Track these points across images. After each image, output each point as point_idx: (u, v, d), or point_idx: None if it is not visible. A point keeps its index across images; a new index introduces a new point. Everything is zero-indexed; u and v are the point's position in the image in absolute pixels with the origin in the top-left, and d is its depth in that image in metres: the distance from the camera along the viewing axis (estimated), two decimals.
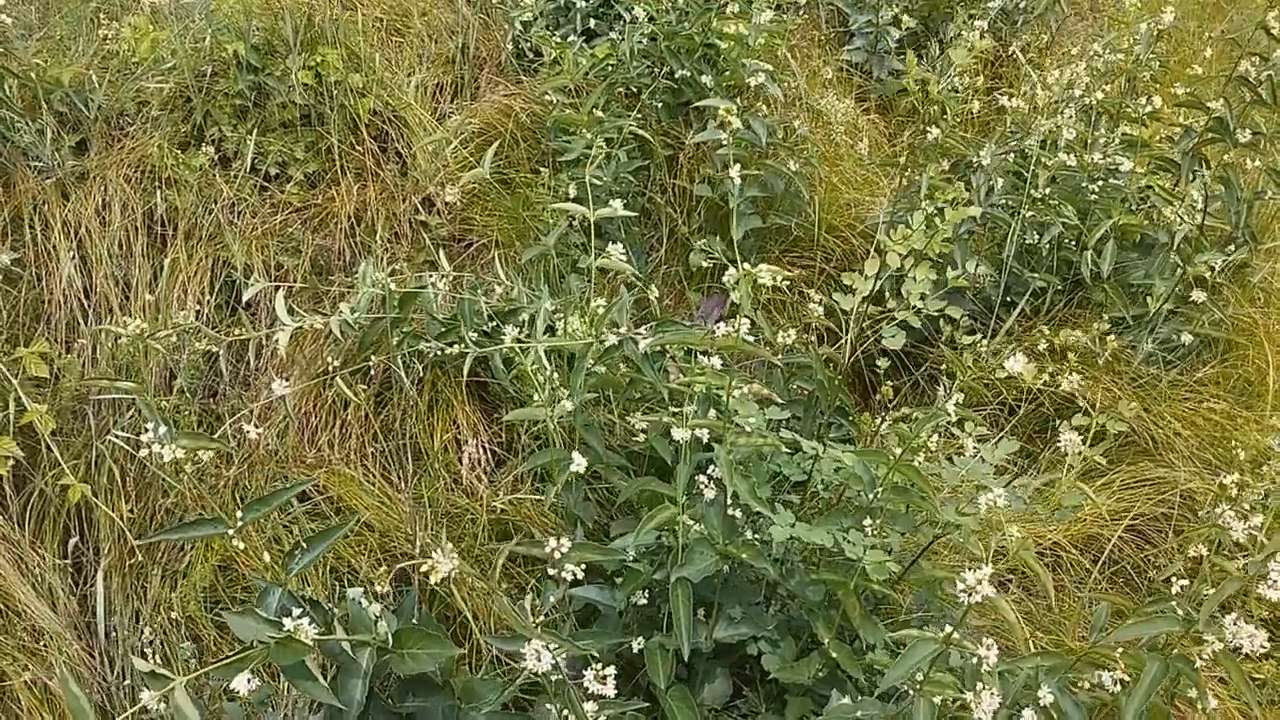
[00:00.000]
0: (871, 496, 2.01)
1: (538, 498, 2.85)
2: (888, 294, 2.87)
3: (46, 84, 3.54)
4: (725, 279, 2.14)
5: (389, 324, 3.04)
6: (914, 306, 2.56)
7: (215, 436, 2.75)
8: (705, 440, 2.14)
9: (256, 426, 2.91)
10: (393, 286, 2.97)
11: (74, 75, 3.59)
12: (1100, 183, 3.18)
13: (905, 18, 4.35)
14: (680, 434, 2.04)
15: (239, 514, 1.80)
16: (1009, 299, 3.35)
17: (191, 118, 3.68)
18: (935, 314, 2.78)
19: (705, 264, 3.65)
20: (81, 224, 3.37)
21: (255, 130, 3.67)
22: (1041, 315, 3.31)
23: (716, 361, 2.08)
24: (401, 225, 3.76)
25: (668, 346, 2.56)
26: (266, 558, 1.84)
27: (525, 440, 3.13)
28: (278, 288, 3.24)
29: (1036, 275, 3.25)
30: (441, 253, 3.20)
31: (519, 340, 2.59)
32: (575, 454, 2.18)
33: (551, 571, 1.79)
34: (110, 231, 3.38)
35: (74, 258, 3.30)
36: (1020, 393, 3.15)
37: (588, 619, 2.39)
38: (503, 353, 3.06)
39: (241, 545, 1.82)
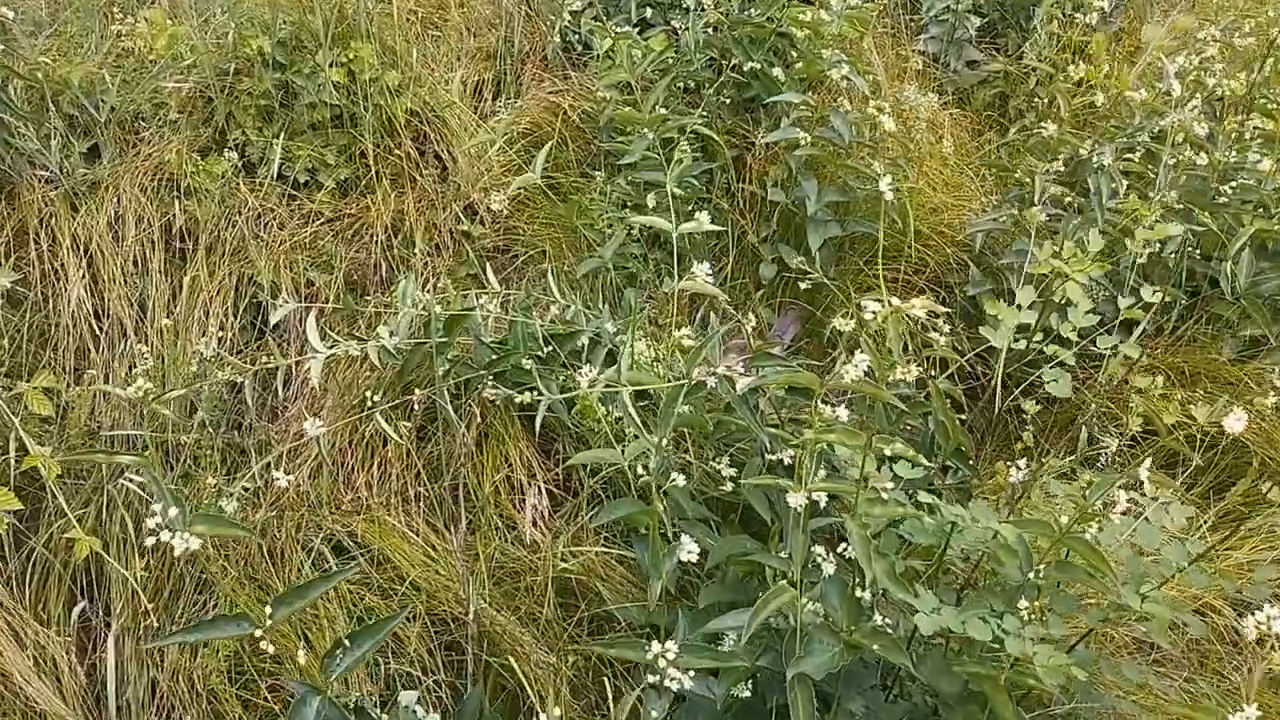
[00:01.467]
0: (1031, 575, 1.66)
1: (606, 549, 2.51)
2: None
3: (54, 85, 3.22)
4: (866, 309, 1.77)
5: (433, 349, 2.70)
6: (1072, 340, 2.18)
7: (241, 477, 2.42)
8: (821, 503, 1.80)
9: (286, 469, 2.58)
10: (437, 309, 2.63)
11: (84, 75, 3.28)
12: (1233, 184, 2.80)
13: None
14: (796, 499, 1.69)
15: (268, 610, 1.47)
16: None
17: (213, 120, 3.35)
18: (1106, 351, 2.40)
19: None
20: (92, 239, 3.05)
21: (282, 133, 3.34)
22: (1165, 334, 2.93)
23: (844, 413, 1.73)
24: (442, 235, 3.43)
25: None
26: (301, 657, 1.51)
27: (585, 478, 2.78)
28: (308, 309, 2.91)
29: (1158, 289, 2.88)
30: (488, 268, 2.86)
31: (600, 383, 2.23)
32: (685, 538, 1.85)
33: (651, 679, 1.44)
34: (124, 247, 3.06)
35: (84, 276, 2.98)
36: (1149, 422, 2.78)
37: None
38: (568, 389, 2.73)
39: (271, 649, 1.48)
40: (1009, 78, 4.15)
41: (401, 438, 2.63)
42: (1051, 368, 2.16)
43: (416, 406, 2.63)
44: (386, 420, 2.49)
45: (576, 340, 2.75)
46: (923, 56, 4.19)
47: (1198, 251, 2.95)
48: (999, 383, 2.19)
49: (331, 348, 2.60)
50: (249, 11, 3.41)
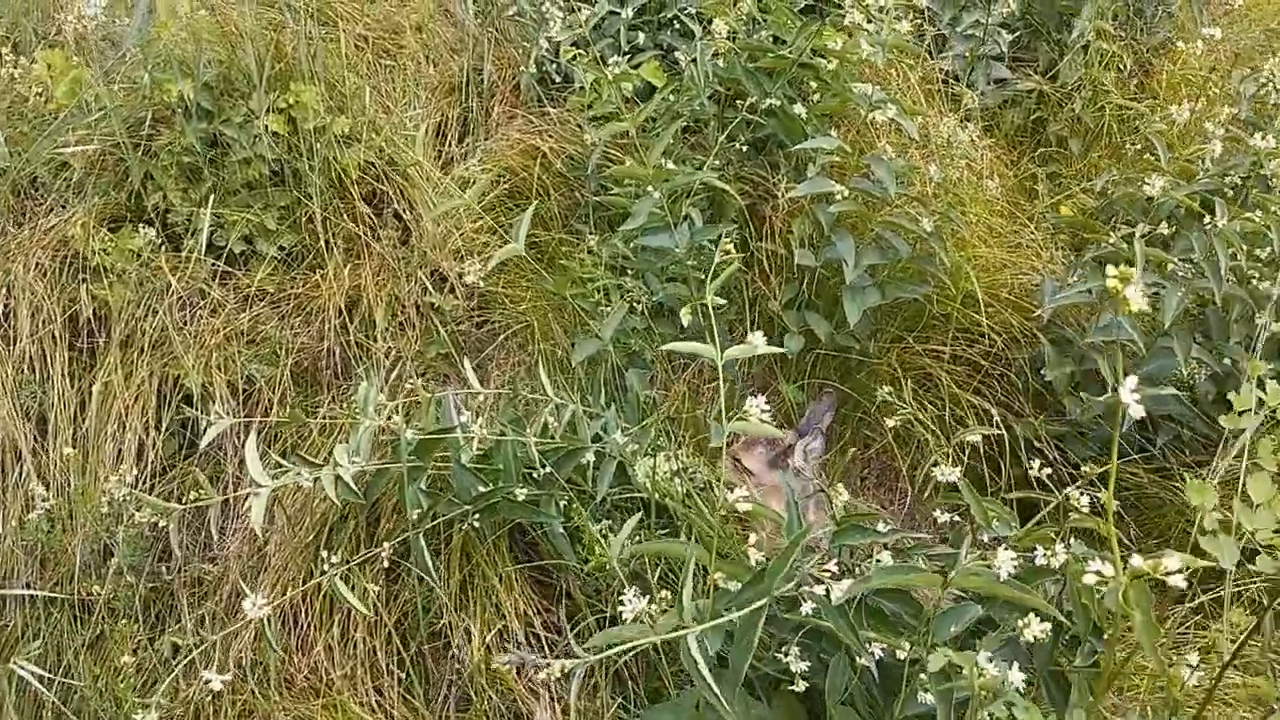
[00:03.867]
0: None
1: None
2: None
3: None
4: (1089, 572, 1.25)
5: (403, 478, 2.18)
6: None
7: (161, 684, 1.88)
8: None
9: (223, 644, 2.05)
10: (407, 433, 2.10)
11: None
12: None
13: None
14: None
15: None
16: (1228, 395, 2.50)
17: (127, 183, 2.79)
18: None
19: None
20: None
21: (211, 197, 2.79)
22: None
23: (1016, 675, 1.23)
24: (407, 310, 2.89)
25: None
26: None
27: (592, 624, 2.27)
28: (248, 427, 2.38)
29: (1271, 366, 2.40)
30: (466, 362, 2.33)
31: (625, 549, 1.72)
32: None
33: None
34: (16, 348, 2.50)
35: None
36: None
37: None
38: (562, 514, 2.22)
39: None
40: (1042, 98, 3.67)
41: (366, 610, 2.10)
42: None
43: (385, 559, 2.09)
44: (347, 587, 1.96)
45: (580, 456, 2.23)
46: (943, 74, 3.69)
47: None
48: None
49: (278, 476, 2.07)
50: (167, 50, 2.85)
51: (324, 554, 1.97)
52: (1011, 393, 2.68)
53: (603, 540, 2.23)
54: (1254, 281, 2.40)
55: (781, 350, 2.66)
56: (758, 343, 1.60)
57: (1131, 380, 1.09)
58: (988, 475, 2.67)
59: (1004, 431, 2.58)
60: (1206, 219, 2.29)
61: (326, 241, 2.82)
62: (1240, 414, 1.32)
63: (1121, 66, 3.47)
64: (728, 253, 1.75)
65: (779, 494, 2.58)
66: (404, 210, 2.98)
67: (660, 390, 2.82)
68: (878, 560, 1.47)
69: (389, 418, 2.21)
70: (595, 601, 2.23)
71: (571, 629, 2.19)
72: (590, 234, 3.01)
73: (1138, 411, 1.10)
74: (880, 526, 1.60)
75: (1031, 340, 2.65)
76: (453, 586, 2.23)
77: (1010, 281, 2.78)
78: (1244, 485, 1.24)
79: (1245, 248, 2.29)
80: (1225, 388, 2.51)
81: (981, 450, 2.64)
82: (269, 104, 2.83)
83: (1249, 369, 1.28)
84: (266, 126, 2.81)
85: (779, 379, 2.91)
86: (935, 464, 1.77)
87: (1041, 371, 2.50)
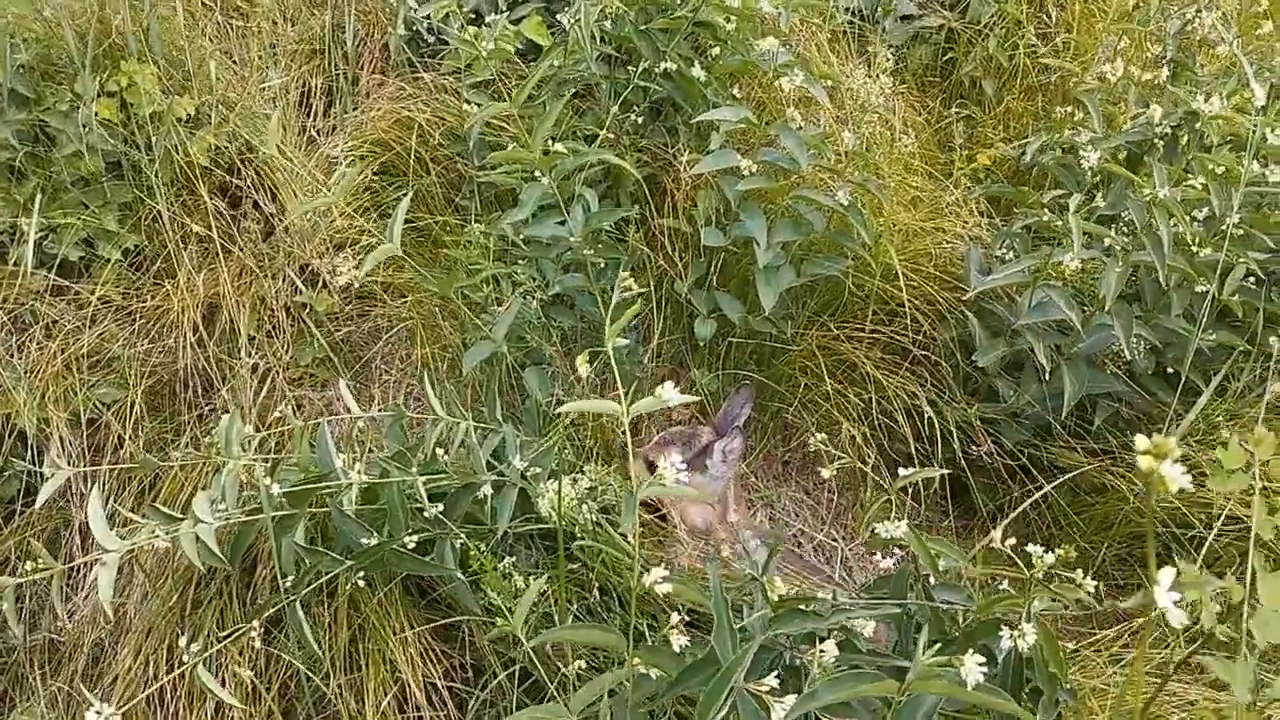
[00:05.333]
0: None
1: None
2: None
3: None
4: None
5: (274, 535, 1.92)
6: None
7: None
8: None
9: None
10: (275, 489, 1.84)
11: None
12: None
13: None
14: None
15: None
16: (1168, 370, 2.34)
17: None
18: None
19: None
20: None
21: (39, 197, 2.44)
22: (1231, 394, 2.30)
23: None
24: (276, 313, 2.59)
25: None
26: None
27: (496, 667, 2.05)
28: (91, 480, 2.09)
29: (1212, 335, 2.24)
30: (343, 385, 2.07)
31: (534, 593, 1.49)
32: None
33: None
34: None
35: None
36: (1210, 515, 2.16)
37: None
38: (459, 557, 1.97)
39: None
40: (952, 35, 3.45)
41: (238, 705, 1.84)
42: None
43: (256, 637, 1.83)
44: (209, 681, 1.70)
45: (475, 491, 1.99)
46: (848, 13, 3.44)
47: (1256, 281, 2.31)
48: None
49: (129, 535, 1.80)
50: None
51: (184, 641, 1.70)
52: (939, 374, 2.49)
53: (505, 579, 2.01)
54: (1193, 247, 2.23)
55: (689, 399, 2.40)
56: (669, 396, 1.37)
57: (1167, 576, 0.87)
58: (918, 459, 2.49)
59: (934, 416, 2.41)
60: (1139, 181, 2.10)
61: (176, 243, 2.49)
62: (1230, 473, 1.13)
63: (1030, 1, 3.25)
64: (628, 289, 1.50)
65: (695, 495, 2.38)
66: (265, 200, 2.66)
67: (563, 387, 2.58)
68: (820, 657, 1.27)
69: (257, 450, 1.95)
70: (504, 650, 2.00)
71: (479, 687, 1.97)
72: (476, 214, 2.73)
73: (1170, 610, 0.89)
74: (822, 594, 1.40)
75: (958, 317, 2.45)
76: (340, 644, 1.98)
77: (933, 250, 2.57)
78: (1246, 601, 1.05)
79: (1186, 217, 2.11)
80: (1164, 361, 2.35)
81: (910, 435, 2.46)
82: (96, 88, 2.48)
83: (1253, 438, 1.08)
84: (96, 114, 2.46)
85: (690, 367, 2.69)
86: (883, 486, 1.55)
87: (973, 357, 2.31)
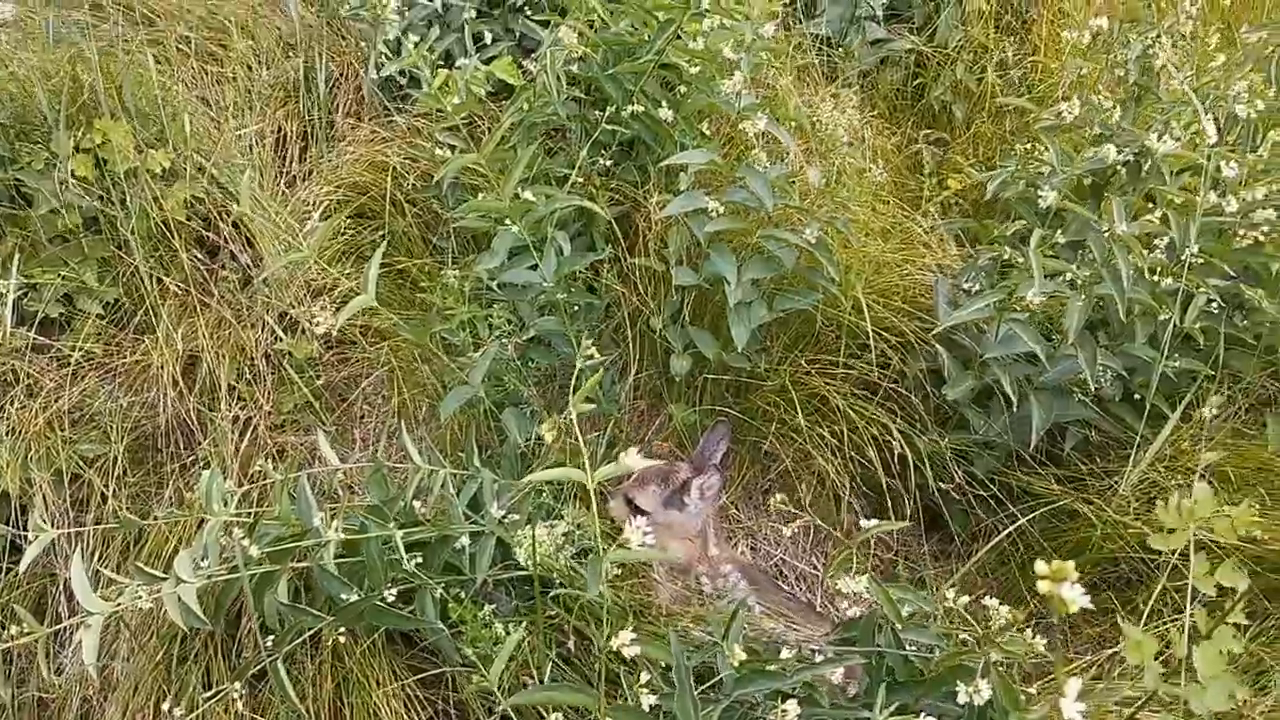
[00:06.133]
0: None
1: None
2: None
3: None
4: None
5: (256, 584, 1.95)
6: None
7: None
8: None
9: None
10: (253, 550, 1.87)
11: None
12: (1265, 225, 2.20)
13: None
14: None
15: None
16: (1135, 395, 2.38)
17: None
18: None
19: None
20: None
21: (17, 255, 2.47)
22: (1196, 419, 2.33)
23: None
24: (256, 361, 2.62)
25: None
26: None
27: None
28: (75, 540, 2.12)
29: (1175, 360, 2.28)
30: (321, 436, 2.10)
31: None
32: None
33: None
34: None
35: None
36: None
37: None
38: (439, 608, 2.01)
39: None
40: (921, 59, 3.49)
41: None
42: None
43: (239, 700, 1.86)
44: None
45: (453, 542, 2.02)
46: (816, 40, 3.47)
47: (1226, 311, 2.34)
48: None
49: (112, 597, 1.84)
50: None
51: (167, 705, 1.73)
52: (910, 405, 2.53)
53: (484, 628, 2.04)
54: (1154, 277, 2.27)
55: (651, 463, 2.40)
56: (631, 462, 1.40)
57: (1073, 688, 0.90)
58: (890, 491, 2.53)
59: (905, 449, 2.45)
60: (1098, 217, 2.13)
61: (155, 298, 2.52)
62: (1170, 533, 1.17)
63: (998, 25, 3.30)
64: (590, 357, 1.53)
65: (673, 531, 2.41)
66: (243, 248, 2.69)
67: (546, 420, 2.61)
68: (784, 717, 1.31)
69: (239, 503, 1.98)
70: (489, 700, 2.03)
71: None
72: (454, 255, 2.77)
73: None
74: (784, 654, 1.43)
75: (928, 349, 2.49)
76: (325, 696, 2.02)
77: (901, 284, 2.61)
78: (1190, 657, 1.09)
79: (1144, 252, 2.15)
80: (1131, 388, 2.39)
81: (881, 467, 2.50)
82: (72, 145, 2.51)
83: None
84: (72, 171, 2.49)
85: (668, 401, 2.73)
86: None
87: (943, 390, 2.35)
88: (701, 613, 2.18)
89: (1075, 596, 0.80)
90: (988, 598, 1.42)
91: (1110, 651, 2.01)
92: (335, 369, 2.72)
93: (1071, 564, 0.81)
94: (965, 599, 1.42)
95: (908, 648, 1.67)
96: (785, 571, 2.72)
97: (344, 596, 1.92)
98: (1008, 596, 2.48)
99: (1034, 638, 1.36)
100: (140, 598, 1.85)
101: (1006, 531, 2.23)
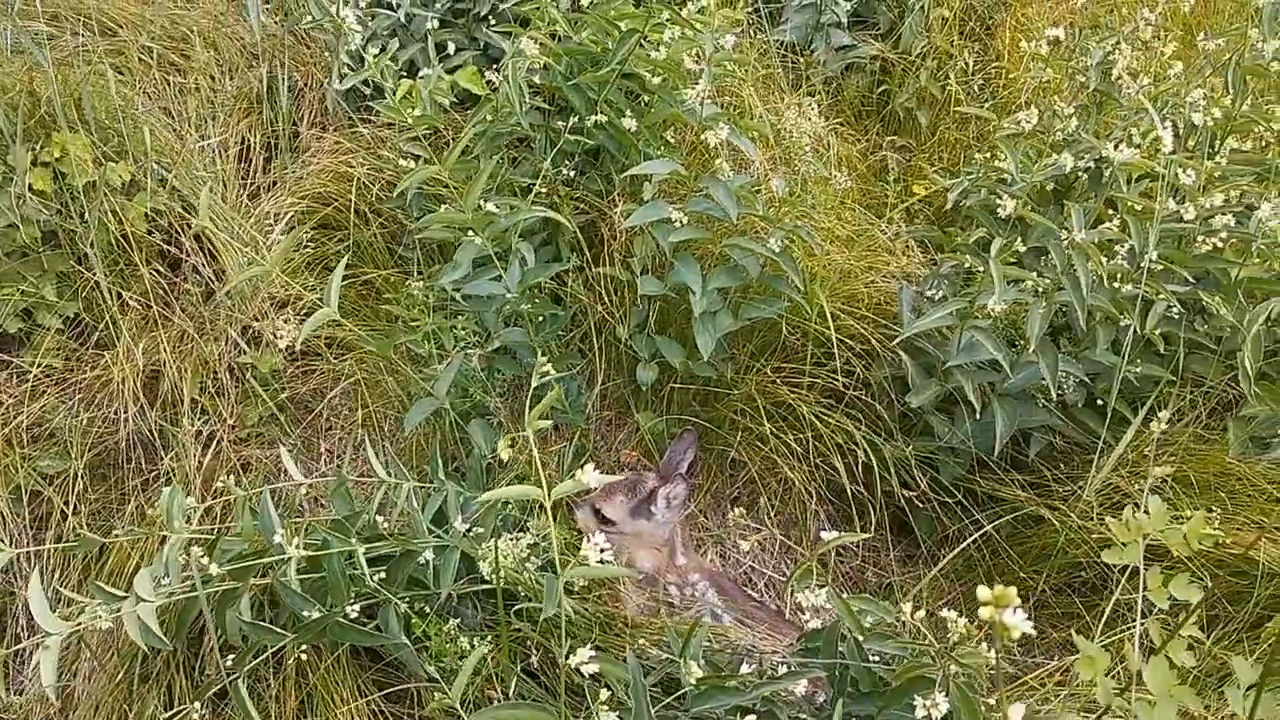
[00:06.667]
0: None
1: None
2: None
3: None
4: None
5: (218, 601, 1.94)
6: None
7: None
8: None
9: None
10: (213, 569, 1.85)
11: None
12: (1224, 232, 2.21)
13: None
14: None
15: None
16: (1098, 401, 2.40)
17: None
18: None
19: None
20: None
21: None
22: (1158, 423, 2.34)
23: None
24: (219, 374, 2.60)
25: None
26: None
27: None
28: (34, 558, 2.10)
29: (1136, 366, 2.30)
30: (284, 452, 2.09)
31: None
32: None
33: None
34: None
35: None
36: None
37: None
38: (404, 624, 2.00)
39: None
40: (885, 65, 3.51)
41: None
42: None
43: (199, 718, 1.84)
44: None
45: (416, 557, 2.01)
46: (781, 47, 3.48)
47: (1186, 317, 2.36)
48: None
49: (72, 617, 1.82)
50: None
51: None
52: (875, 413, 2.53)
53: (449, 640, 2.04)
54: (1115, 283, 2.28)
55: (610, 478, 2.38)
56: (590, 480, 1.40)
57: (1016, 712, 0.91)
58: (856, 498, 2.54)
59: (870, 456, 2.45)
60: (1057, 225, 2.15)
61: (115, 312, 2.50)
62: (1124, 546, 1.17)
63: (962, 31, 3.31)
64: (545, 374, 1.53)
65: (641, 540, 2.41)
66: (205, 262, 2.67)
67: (506, 434, 2.60)
68: None
69: (202, 518, 1.96)
70: (453, 715, 2.02)
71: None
72: (419, 266, 2.76)
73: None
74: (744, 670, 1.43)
75: (893, 357, 2.50)
76: (288, 714, 2.00)
77: (866, 292, 2.61)
78: (1139, 673, 1.09)
79: (1104, 259, 2.16)
80: (1094, 393, 2.40)
81: (846, 475, 2.50)
82: (29, 158, 2.48)
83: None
84: (30, 185, 2.47)
85: (634, 410, 2.72)
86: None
87: (907, 398, 2.36)
88: (668, 624, 2.17)
89: (1018, 622, 0.81)
90: (948, 609, 1.42)
91: (1074, 658, 2.02)
92: (300, 381, 2.70)
93: (1014, 590, 0.81)
94: (921, 613, 1.42)
95: (872, 658, 1.68)
96: (754, 579, 2.72)
97: (306, 614, 1.91)
98: (975, 602, 2.50)
99: (990, 650, 1.37)
100: (99, 617, 1.84)
101: (971, 538, 2.24)
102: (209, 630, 2.11)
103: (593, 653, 1.37)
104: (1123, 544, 1.16)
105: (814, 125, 2.74)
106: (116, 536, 2.15)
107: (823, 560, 2.69)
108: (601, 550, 1.42)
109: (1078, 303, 2.07)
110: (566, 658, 1.40)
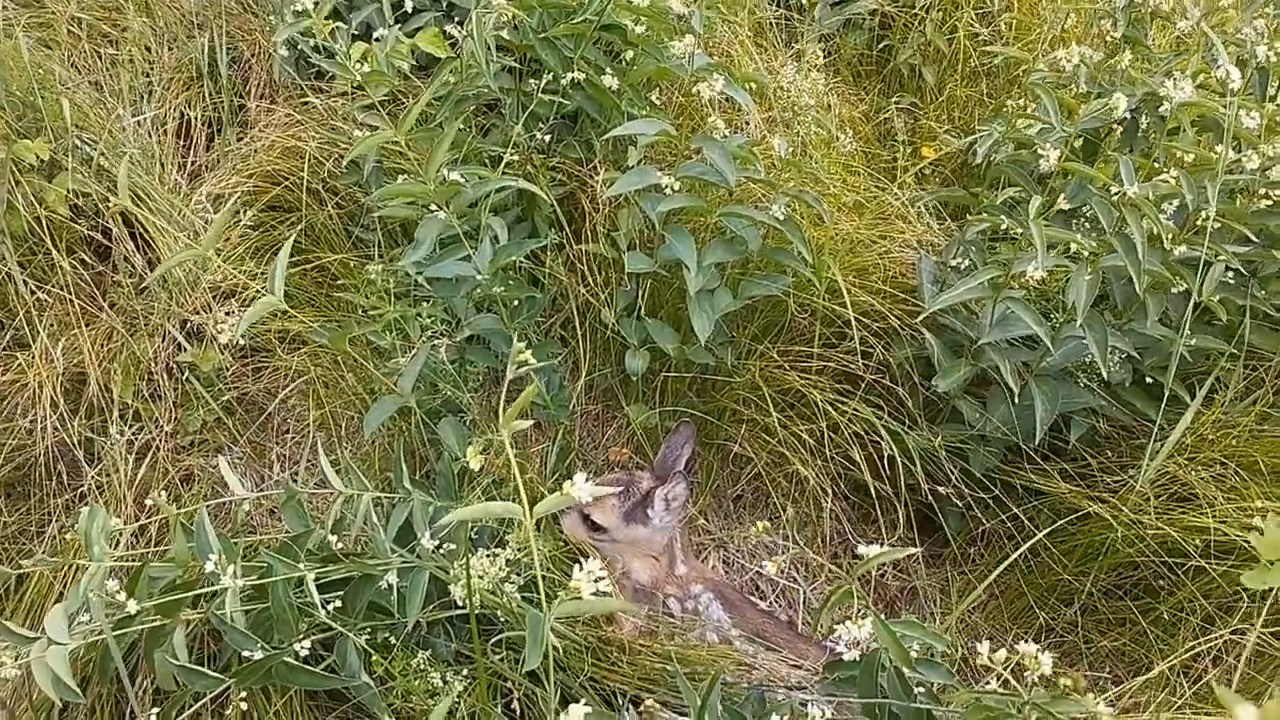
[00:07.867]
0: None
1: None
2: None
3: None
4: None
5: (147, 640, 1.65)
6: None
7: None
8: None
9: None
10: (132, 606, 1.56)
11: None
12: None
13: None
14: None
15: None
16: (1147, 379, 2.13)
17: None
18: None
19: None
20: None
21: None
22: (1217, 403, 2.08)
23: None
24: (156, 374, 2.31)
25: None
26: None
27: None
28: None
29: (1192, 339, 2.02)
30: (223, 461, 1.80)
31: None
32: None
33: None
34: None
35: None
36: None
37: None
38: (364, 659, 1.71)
39: None
40: (885, 21, 3.23)
41: None
42: None
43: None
44: None
45: (377, 581, 1.73)
46: (773, 3, 3.20)
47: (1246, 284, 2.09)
48: None
49: None
50: None
51: None
52: (896, 398, 2.26)
53: (418, 675, 1.76)
54: (1166, 245, 2.01)
55: (604, 491, 2.10)
56: (579, 492, 1.12)
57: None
58: (878, 493, 2.27)
59: (893, 447, 2.18)
60: (1102, 177, 1.87)
61: (30, 308, 2.20)
62: (1271, 564, 0.90)
63: None
64: (522, 364, 1.25)
65: (636, 548, 2.14)
66: (139, 250, 2.37)
67: (483, 436, 2.32)
68: None
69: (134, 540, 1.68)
70: None
71: None
72: (379, 248, 2.47)
73: None
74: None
75: (914, 336, 2.22)
76: None
77: (879, 264, 2.34)
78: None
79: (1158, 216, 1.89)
80: (1142, 370, 2.13)
81: (867, 468, 2.23)
82: None
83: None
84: None
85: (624, 403, 2.44)
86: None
87: (932, 381, 2.08)
88: (669, 648, 1.90)
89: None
90: (1012, 634, 1.15)
91: (1143, 678, 1.76)
92: (249, 381, 2.41)
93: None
94: (1001, 653, 1.15)
95: (916, 689, 1.41)
96: (762, 586, 2.45)
97: (248, 653, 1.62)
98: (1013, 609, 2.23)
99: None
100: (4, 665, 1.56)
101: (1019, 552, 1.95)
102: (142, 670, 1.83)
103: (587, 710, 1.09)
104: (1269, 562, 0.89)
105: (814, 83, 2.46)
106: (32, 565, 1.86)
107: (836, 561, 2.43)
108: (597, 580, 1.14)
109: (1133, 267, 1.80)
110: (555, 713, 1.13)
